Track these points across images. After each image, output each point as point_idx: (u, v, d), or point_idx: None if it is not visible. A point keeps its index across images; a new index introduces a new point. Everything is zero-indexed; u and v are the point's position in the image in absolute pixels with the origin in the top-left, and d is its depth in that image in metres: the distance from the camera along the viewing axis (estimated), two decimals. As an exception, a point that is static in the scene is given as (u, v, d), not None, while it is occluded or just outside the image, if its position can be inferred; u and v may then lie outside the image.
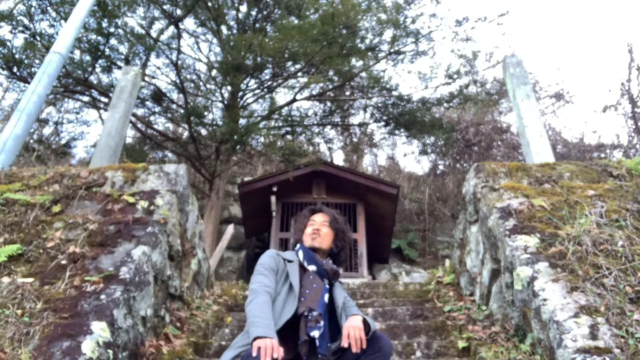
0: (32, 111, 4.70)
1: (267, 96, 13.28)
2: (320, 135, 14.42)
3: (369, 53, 11.91)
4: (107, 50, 10.14)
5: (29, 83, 7.30)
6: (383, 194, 10.77)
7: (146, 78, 11.88)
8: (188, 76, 12.43)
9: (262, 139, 13.02)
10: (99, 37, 9.84)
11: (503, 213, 3.35)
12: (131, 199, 3.52)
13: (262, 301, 2.32)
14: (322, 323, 2.38)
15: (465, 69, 12.64)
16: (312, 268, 2.62)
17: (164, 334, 3.24)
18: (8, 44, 9.21)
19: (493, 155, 15.03)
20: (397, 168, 17.64)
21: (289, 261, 2.65)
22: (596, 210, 3.24)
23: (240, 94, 11.94)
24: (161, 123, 14.94)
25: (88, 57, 10.11)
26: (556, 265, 2.81)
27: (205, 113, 11.78)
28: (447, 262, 6.52)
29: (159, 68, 13.48)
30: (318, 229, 2.74)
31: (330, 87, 13.23)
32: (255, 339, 2.12)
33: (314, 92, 13.30)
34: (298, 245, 2.76)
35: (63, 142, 14.17)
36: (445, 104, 12.92)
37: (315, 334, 2.33)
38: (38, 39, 9.51)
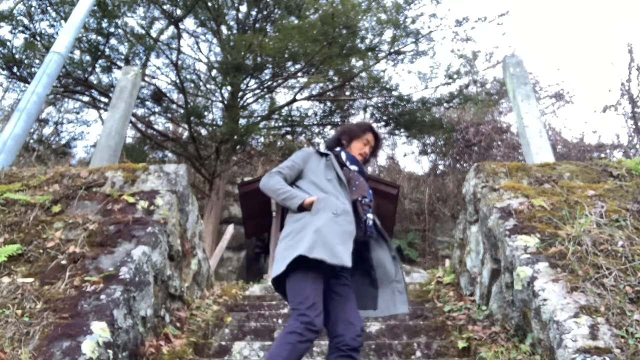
0: (32, 111, 4.70)
1: (267, 96, 13.30)
2: (320, 135, 14.43)
3: (369, 53, 11.92)
4: (107, 50, 10.16)
5: (29, 83, 7.30)
6: (383, 194, 10.76)
7: (146, 78, 11.89)
8: (188, 76, 12.45)
9: (262, 139, 13.04)
10: (99, 37, 9.86)
11: (503, 213, 3.34)
12: (131, 199, 3.52)
13: (281, 179, 2.65)
14: (371, 210, 2.68)
15: (465, 69, 12.67)
16: (354, 168, 2.83)
17: (164, 334, 3.24)
18: (8, 44, 9.22)
19: (493, 155, 15.03)
20: (397, 168, 17.63)
21: (326, 155, 2.83)
22: (596, 210, 3.23)
23: (240, 94, 11.95)
24: (161, 123, 14.97)
25: (88, 57, 10.12)
26: (556, 265, 2.81)
27: (205, 113, 11.80)
28: (447, 262, 6.52)
29: (159, 68, 13.48)
30: (367, 153, 2.97)
31: (330, 87, 13.24)
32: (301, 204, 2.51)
33: (314, 92, 13.31)
34: (338, 149, 2.91)
35: (63, 142, 14.18)
36: (445, 104, 12.95)
37: (370, 216, 2.63)
38: (38, 39, 9.52)
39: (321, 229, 2.39)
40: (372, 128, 3.04)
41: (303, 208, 2.52)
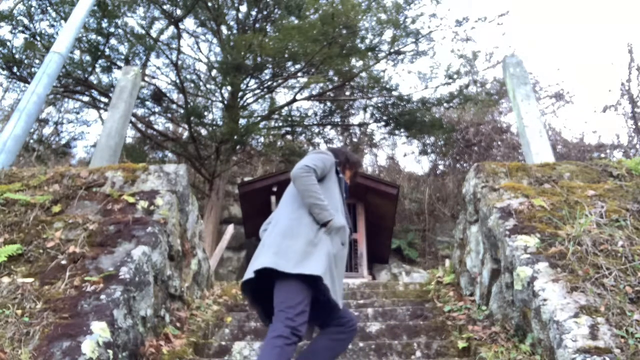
0: (32, 111, 4.70)
1: (267, 96, 13.29)
2: (320, 135, 14.43)
3: (369, 53, 11.91)
4: (107, 50, 10.16)
5: (29, 83, 7.30)
6: (383, 194, 10.76)
7: (146, 78, 11.89)
8: (188, 76, 12.45)
9: (262, 139, 13.04)
10: (99, 37, 9.86)
11: (503, 213, 3.34)
12: (131, 199, 3.52)
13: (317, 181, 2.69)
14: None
15: (465, 69, 12.66)
16: (344, 195, 2.95)
17: (164, 334, 3.24)
18: (8, 44, 9.22)
19: (493, 155, 15.01)
20: (397, 168, 17.61)
21: (338, 173, 2.95)
22: (596, 210, 3.24)
23: (240, 94, 11.95)
24: (161, 123, 14.97)
25: (88, 57, 10.12)
26: (556, 265, 2.81)
27: (205, 113, 11.79)
28: (447, 262, 6.52)
29: (159, 68, 13.48)
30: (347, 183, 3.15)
31: (330, 87, 13.23)
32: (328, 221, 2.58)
33: (314, 92, 13.31)
34: (339, 169, 3.02)
35: (63, 142, 14.17)
36: (445, 104, 12.93)
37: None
38: (38, 39, 9.52)
39: (333, 257, 2.54)
40: (360, 166, 3.29)
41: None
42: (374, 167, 18.33)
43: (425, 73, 13.00)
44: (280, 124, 13.62)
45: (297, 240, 2.51)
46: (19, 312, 2.54)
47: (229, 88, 11.62)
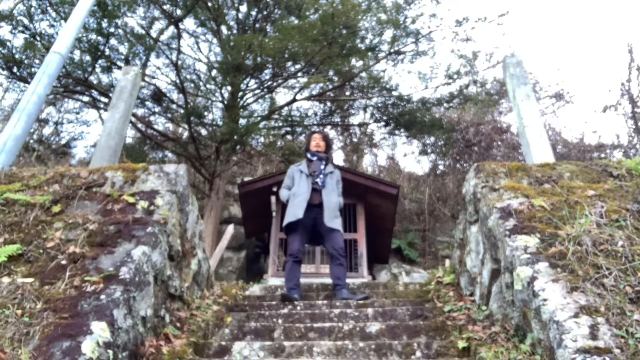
0: (32, 111, 4.70)
1: (267, 96, 13.29)
2: (320, 135, 14.37)
3: (369, 53, 11.92)
4: (107, 50, 10.15)
5: (29, 83, 7.30)
6: (383, 194, 10.75)
7: (146, 78, 11.89)
8: (188, 76, 12.44)
9: (262, 139, 13.04)
10: (99, 37, 9.86)
11: (503, 213, 3.34)
12: (131, 199, 3.52)
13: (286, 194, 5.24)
14: (321, 176, 5.14)
15: (465, 69, 12.66)
16: (314, 158, 5.27)
17: (164, 334, 3.24)
18: (8, 44, 9.22)
19: (493, 155, 15.03)
20: (397, 168, 17.63)
21: (300, 169, 5.26)
22: (596, 210, 3.23)
23: (240, 94, 11.95)
24: (161, 123, 14.97)
25: (88, 57, 10.12)
26: (556, 265, 2.81)
27: (205, 113, 11.80)
28: (447, 262, 6.52)
29: (159, 68, 13.50)
30: (317, 143, 5.37)
31: (330, 87, 13.23)
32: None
33: (314, 92, 13.30)
34: (308, 153, 5.34)
35: (63, 142, 14.18)
36: (445, 104, 12.94)
37: (318, 180, 5.11)
38: (38, 39, 9.52)
39: None
40: (312, 132, 5.83)
41: None
42: (374, 167, 18.34)
43: (425, 73, 13.07)
44: (280, 124, 13.63)
45: None
46: (19, 312, 2.54)
47: (229, 88, 11.62)
